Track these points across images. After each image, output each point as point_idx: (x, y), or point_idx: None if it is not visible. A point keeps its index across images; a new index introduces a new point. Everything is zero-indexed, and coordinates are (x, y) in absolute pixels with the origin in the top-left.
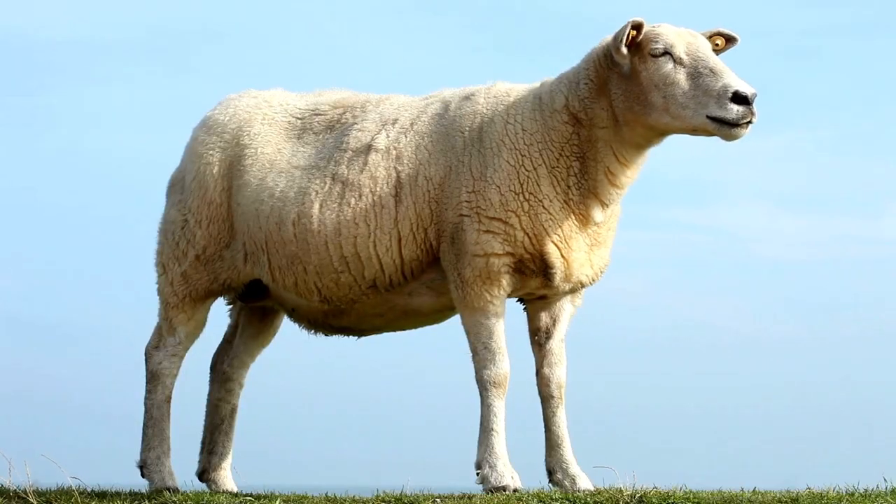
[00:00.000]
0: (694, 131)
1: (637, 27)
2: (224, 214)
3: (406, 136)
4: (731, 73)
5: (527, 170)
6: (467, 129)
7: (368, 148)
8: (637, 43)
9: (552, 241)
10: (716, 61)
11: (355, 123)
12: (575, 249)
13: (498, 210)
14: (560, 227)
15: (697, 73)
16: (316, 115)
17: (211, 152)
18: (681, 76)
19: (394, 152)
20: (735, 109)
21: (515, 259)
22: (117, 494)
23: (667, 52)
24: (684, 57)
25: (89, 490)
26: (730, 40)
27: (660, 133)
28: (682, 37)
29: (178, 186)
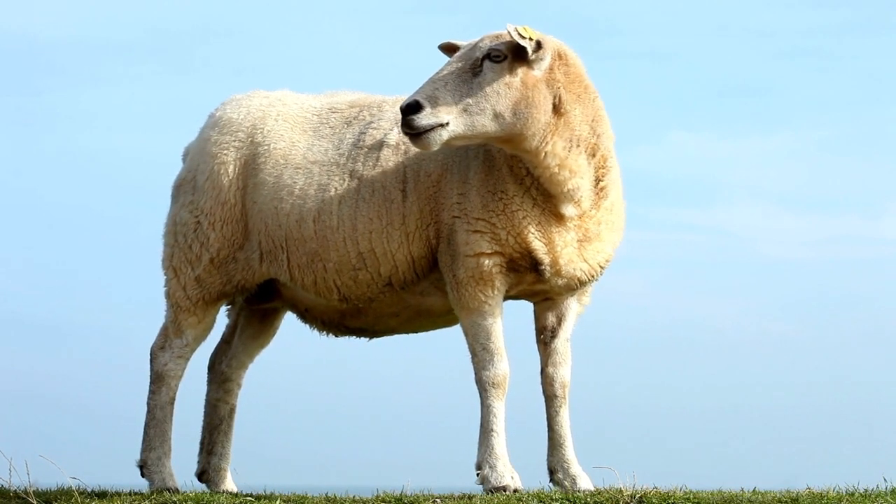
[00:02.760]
0: (513, 147)
1: (450, 49)
2: (238, 215)
3: None
4: (419, 87)
5: (496, 170)
6: None
7: (381, 144)
8: None
9: (535, 238)
10: (431, 75)
11: (372, 122)
12: (559, 245)
13: (480, 211)
14: (538, 223)
15: None
16: (333, 112)
17: (225, 152)
18: None
19: (402, 147)
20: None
21: (505, 258)
22: (117, 494)
23: None
24: None
25: (89, 490)
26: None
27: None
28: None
29: (186, 188)
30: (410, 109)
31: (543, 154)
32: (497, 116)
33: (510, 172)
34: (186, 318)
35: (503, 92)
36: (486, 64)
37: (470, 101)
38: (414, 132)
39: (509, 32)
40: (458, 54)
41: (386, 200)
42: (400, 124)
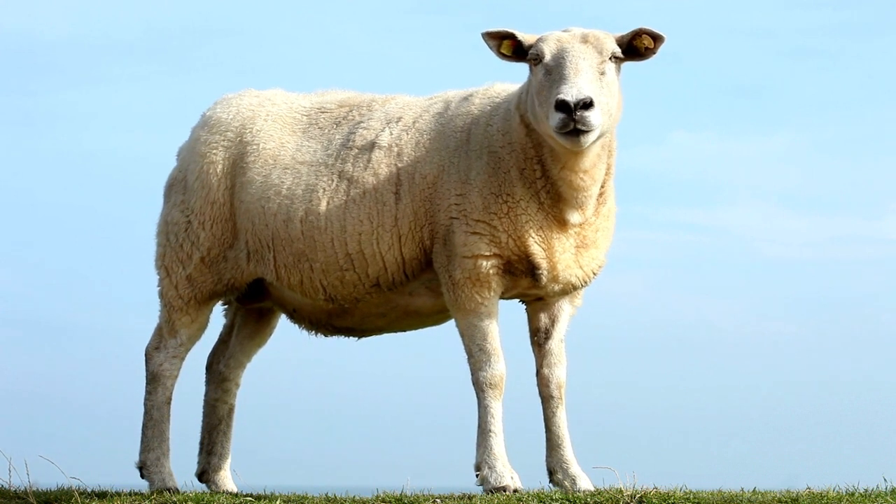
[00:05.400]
0: (559, 143)
1: (499, 36)
2: (227, 214)
3: (408, 134)
4: (572, 79)
5: (503, 172)
6: (459, 129)
7: (372, 145)
8: (529, 49)
9: (535, 242)
10: (571, 67)
11: (362, 122)
12: (559, 251)
13: (481, 213)
14: (540, 228)
15: (552, 82)
16: (322, 112)
17: (214, 151)
18: (546, 85)
19: (395, 149)
20: (557, 118)
21: (503, 260)
22: (117, 495)
23: (539, 61)
24: (551, 64)
25: (89, 490)
26: (657, 39)
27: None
28: (558, 42)
29: (177, 187)
30: (587, 106)
31: (586, 156)
32: (611, 117)
33: (520, 175)
34: (180, 317)
35: (616, 93)
36: (608, 65)
37: (605, 100)
38: (588, 129)
39: (660, 36)
40: (579, 51)
41: (377, 203)
42: (564, 118)
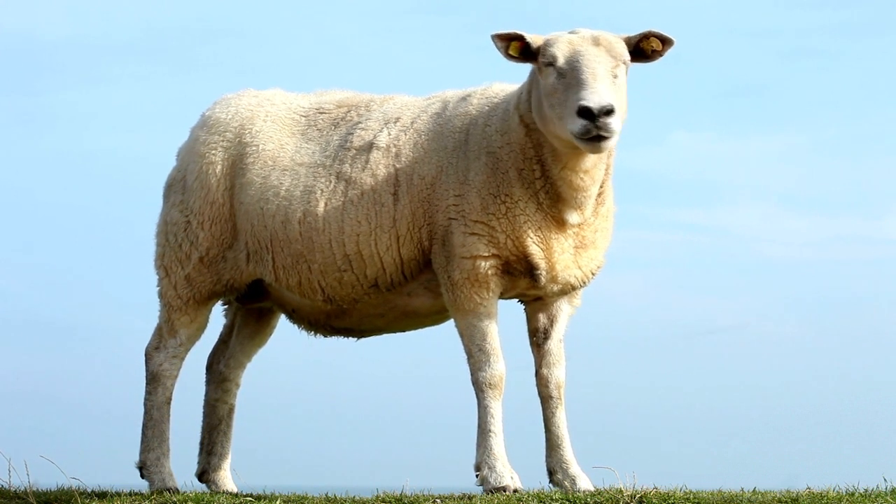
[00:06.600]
0: (572, 145)
1: (508, 38)
2: (227, 214)
3: (406, 134)
4: (592, 85)
5: (502, 172)
6: (458, 129)
7: (371, 146)
8: (537, 51)
9: (533, 243)
10: (588, 71)
11: (360, 122)
12: (557, 251)
13: (480, 213)
14: (538, 229)
15: (568, 85)
16: (320, 113)
17: (213, 152)
18: (560, 88)
19: (393, 150)
20: (579, 124)
21: (502, 261)
22: (117, 495)
23: (551, 63)
24: (565, 67)
25: (89, 491)
26: (666, 42)
27: (564, 142)
28: (570, 45)
29: (177, 187)
30: (608, 113)
31: (589, 156)
32: (622, 121)
33: (518, 176)
34: (179, 317)
35: (625, 97)
36: (620, 68)
37: (620, 105)
38: (609, 135)
39: (669, 39)
40: (593, 54)
41: (376, 203)
42: (587, 124)
